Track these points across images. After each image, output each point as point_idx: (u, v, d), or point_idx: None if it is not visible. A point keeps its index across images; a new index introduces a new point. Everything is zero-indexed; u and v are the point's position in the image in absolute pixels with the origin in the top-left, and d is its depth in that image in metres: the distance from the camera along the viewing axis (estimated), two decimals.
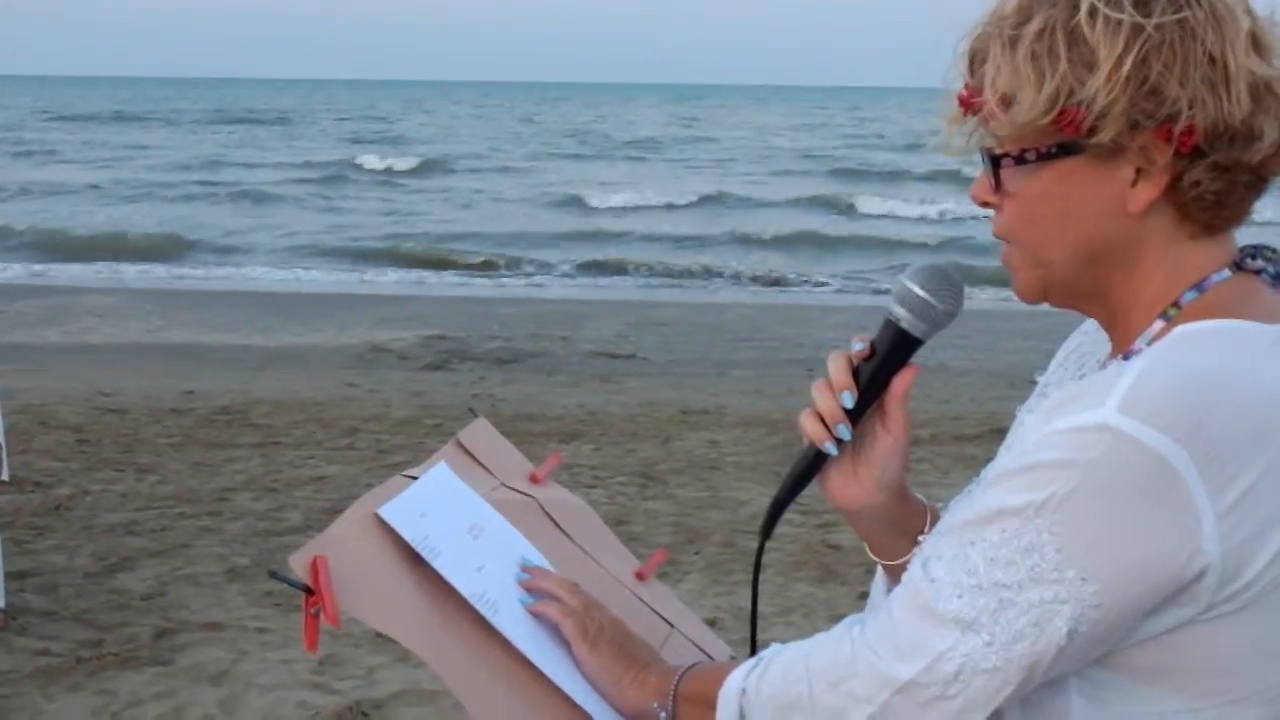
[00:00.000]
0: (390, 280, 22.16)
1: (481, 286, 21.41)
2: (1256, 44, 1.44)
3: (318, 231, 27.49)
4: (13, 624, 6.22)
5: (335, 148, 47.95)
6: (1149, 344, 1.48)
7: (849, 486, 1.68)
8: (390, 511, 1.77)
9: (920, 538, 1.67)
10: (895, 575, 1.68)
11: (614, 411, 10.87)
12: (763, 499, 8.19)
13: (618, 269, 23.13)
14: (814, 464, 1.68)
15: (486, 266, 23.44)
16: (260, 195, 33.45)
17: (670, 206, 32.00)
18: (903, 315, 1.63)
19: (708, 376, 12.73)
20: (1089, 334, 1.69)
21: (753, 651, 1.69)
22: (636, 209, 31.55)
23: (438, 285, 21.48)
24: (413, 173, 39.63)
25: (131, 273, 22.11)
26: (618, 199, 32.71)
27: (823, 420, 1.65)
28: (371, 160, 41.82)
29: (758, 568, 1.77)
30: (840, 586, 6.79)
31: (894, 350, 1.64)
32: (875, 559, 1.74)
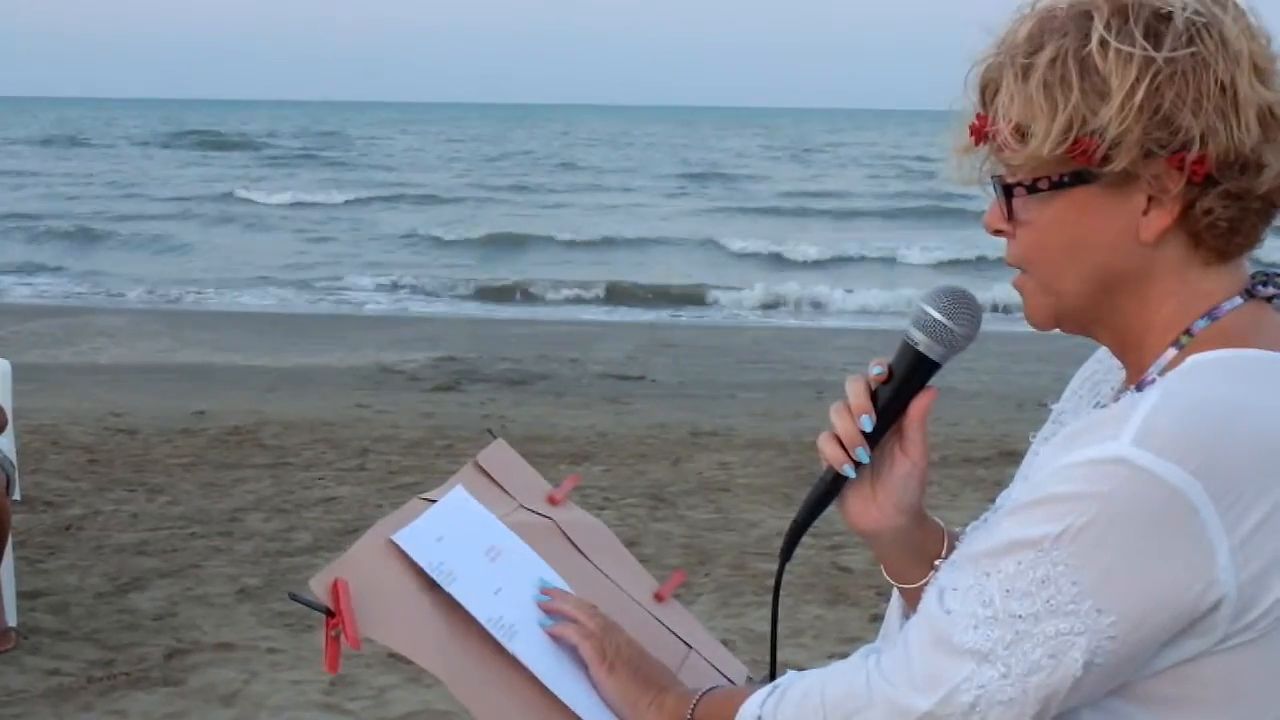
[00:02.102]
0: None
1: (492, 308, 21.42)
2: (1258, 72, 1.45)
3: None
4: (24, 643, 6.24)
5: (234, 177, 44.71)
6: (1162, 373, 1.49)
7: (867, 509, 1.69)
8: (406, 537, 1.78)
9: (937, 562, 1.68)
10: (912, 599, 1.69)
11: (624, 433, 10.87)
12: (773, 521, 8.21)
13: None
14: (832, 487, 1.69)
15: None
16: (83, 233, 30.02)
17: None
18: (920, 339, 1.63)
19: (717, 398, 12.73)
20: (1102, 361, 1.69)
21: (772, 674, 1.70)
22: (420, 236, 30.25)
23: (447, 307, 21.51)
24: (318, 206, 36.71)
25: None
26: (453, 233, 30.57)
27: (841, 443, 1.66)
28: (258, 194, 38.47)
29: (777, 591, 1.78)
30: (851, 609, 6.79)
31: (912, 373, 1.65)
32: (892, 582, 1.75)
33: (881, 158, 59.52)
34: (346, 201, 37.73)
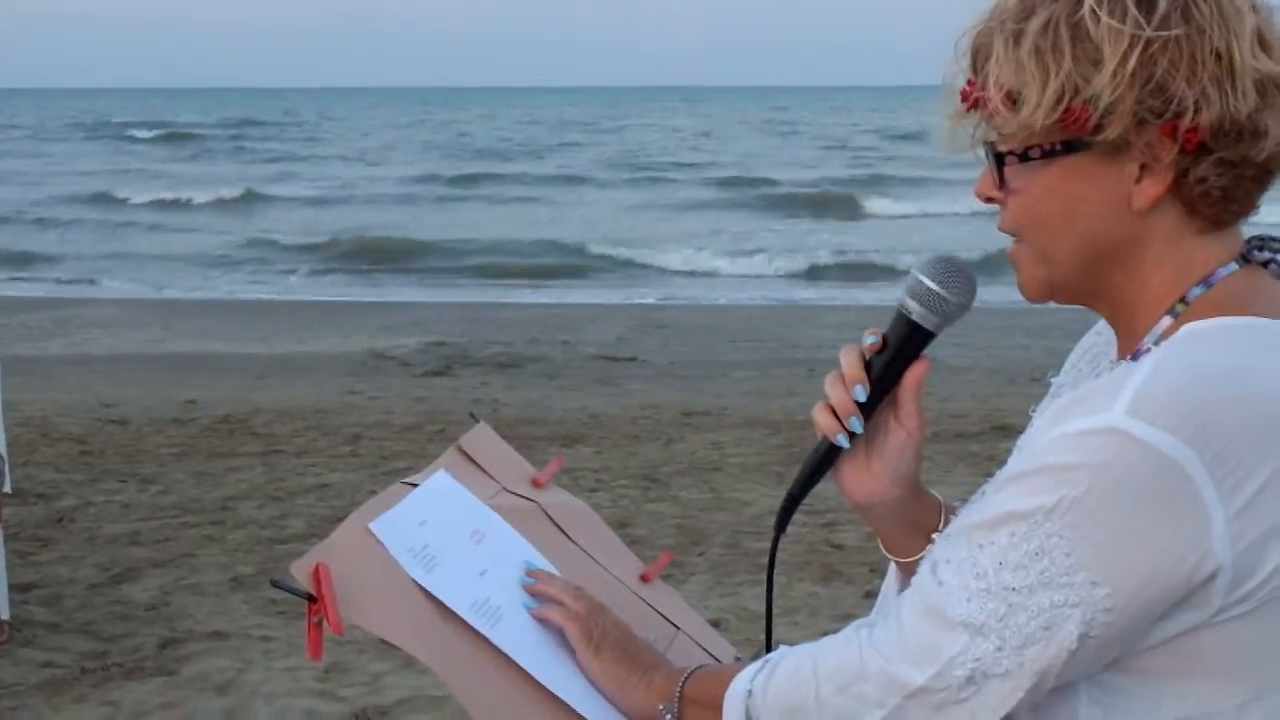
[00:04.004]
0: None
1: (482, 292, 21.39)
2: (1262, 41, 1.43)
3: None
4: (17, 636, 6.22)
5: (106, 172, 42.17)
6: (1157, 342, 1.47)
7: (862, 480, 1.67)
8: (387, 523, 1.76)
9: (934, 535, 1.66)
10: (908, 572, 1.67)
11: (616, 414, 10.87)
12: (766, 500, 8.21)
13: None
14: (827, 457, 1.67)
15: None
16: None
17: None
18: (914, 308, 1.62)
19: (709, 378, 12.73)
20: (1102, 334, 1.67)
21: (768, 645, 1.68)
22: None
23: (439, 291, 21.46)
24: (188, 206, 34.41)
25: None
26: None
27: (835, 413, 1.64)
28: (129, 191, 36.15)
29: (772, 562, 1.76)
30: (844, 586, 6.79)
31: (906, 343, 1.63)
32: (889, 556, 1.73)
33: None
34: (208, 202, 35.14)
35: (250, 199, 35.85)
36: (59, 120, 79.40)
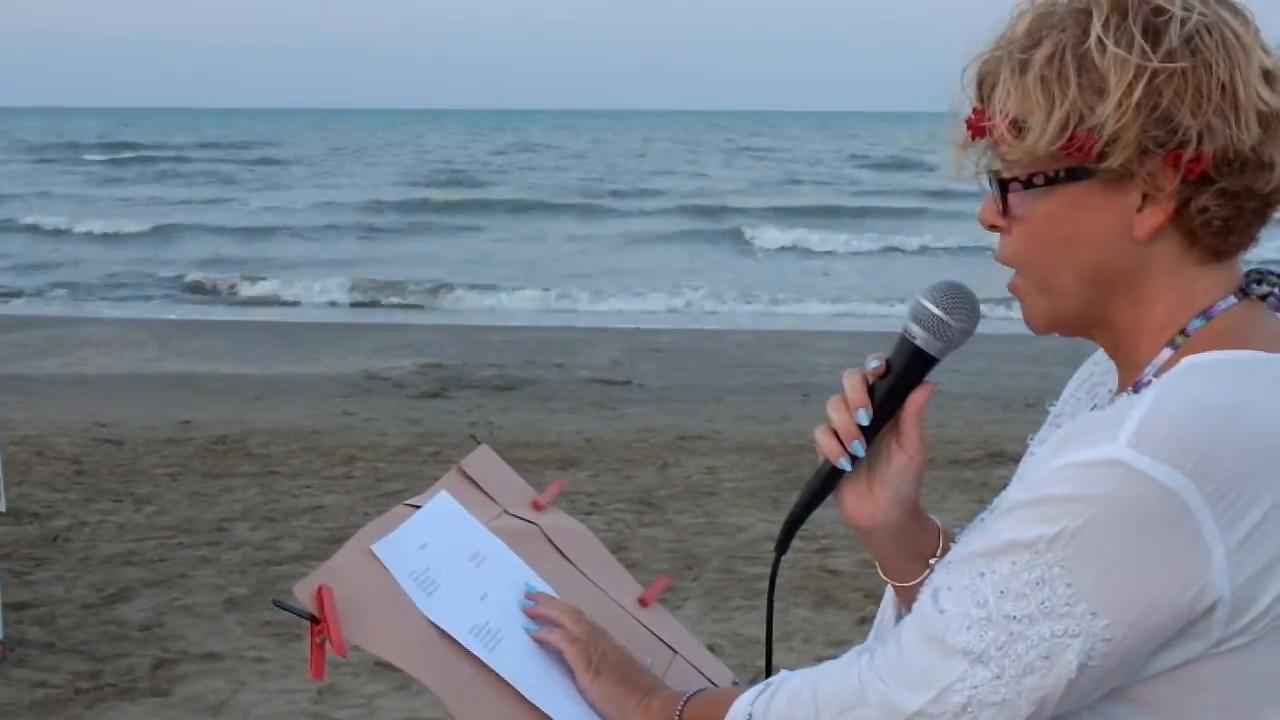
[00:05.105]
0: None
1: (477, 314, 21.38)
2: (1268, 77, 1.45)
3: None
4: (11, 655, 6.21)
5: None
6: (1157, 374, 1.48)
7: (863, 504, 1.68)
8: (387, 546, 1.77)
9: (932, 561, 1.67)
10: (906, 597, 1.68)
11: (611, 438, 10.87)
12: (761, 525, 8.21)
13: None
14: (829, 480, 1.69)
15: None
16: None
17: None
18: (918, 333, 1.63)
19: (704, 402, 12.72)
20: (1099, 363, 1.69)
21: (768, 667, 1.69)
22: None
23: (433, 314, 21.44)
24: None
25: None
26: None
27: (837, 436, 1.65)
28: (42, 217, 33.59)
29: (773, 583, 1.77)
30: (839, 611, 6.79)
31: (909, 368, 1.64)
32: (887, 580, 1.74)
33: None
34: (103, 234, 32.32)
35: (161, 231, 32.67)
36: (21, 140, 78.27)
